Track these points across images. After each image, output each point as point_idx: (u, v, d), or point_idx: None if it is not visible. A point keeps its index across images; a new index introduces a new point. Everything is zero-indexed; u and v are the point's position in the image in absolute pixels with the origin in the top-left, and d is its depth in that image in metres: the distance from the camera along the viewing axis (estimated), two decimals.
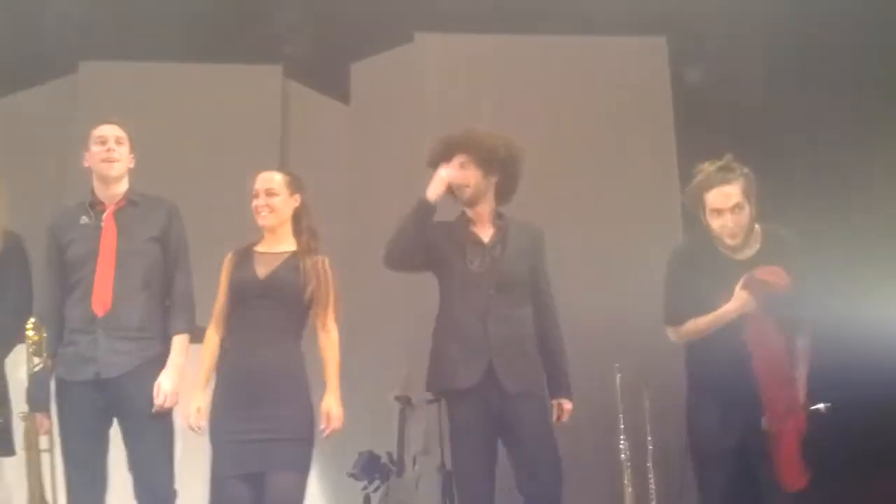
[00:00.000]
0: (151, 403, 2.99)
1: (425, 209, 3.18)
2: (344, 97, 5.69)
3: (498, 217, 3.32)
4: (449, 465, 3.76)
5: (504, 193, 3.32)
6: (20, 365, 3.13)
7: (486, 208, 3.28)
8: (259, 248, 3.17)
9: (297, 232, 3.18)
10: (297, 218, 3.19)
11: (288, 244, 3.17)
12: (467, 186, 3.24)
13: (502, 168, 3.26)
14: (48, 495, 3.06)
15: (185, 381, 3.06)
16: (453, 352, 3.13)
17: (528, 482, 3.06)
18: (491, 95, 5.02)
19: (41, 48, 5.20)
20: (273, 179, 3.17)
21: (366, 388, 4.36)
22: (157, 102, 5.29)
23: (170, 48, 5.29)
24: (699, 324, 3.13)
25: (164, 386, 3.00)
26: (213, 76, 5.54)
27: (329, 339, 3.11)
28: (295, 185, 3.19)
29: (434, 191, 3.19)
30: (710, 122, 4.97)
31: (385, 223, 5.14)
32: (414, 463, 4.38)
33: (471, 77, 5.22)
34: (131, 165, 3.23)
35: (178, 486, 3.06)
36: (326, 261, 3.15)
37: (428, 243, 3.21)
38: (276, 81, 5.65)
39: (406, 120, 5.23)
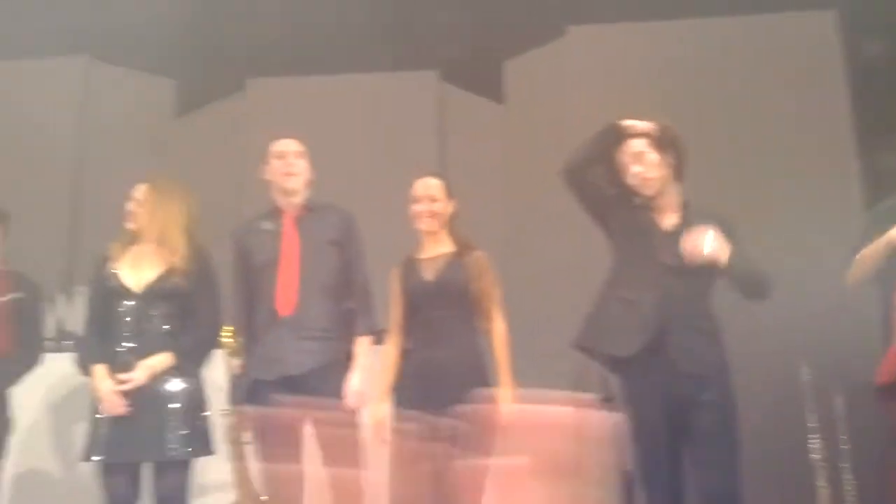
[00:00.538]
0: (338, 400, 3.09)
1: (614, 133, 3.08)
2: (498, 96, 5.71)
3: (683, 205, 3.13)
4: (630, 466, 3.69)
5: (678, 177, 3.14)
6: (214, 368, 3.33)
7: (671, 195, 3.10)
8: (421, 256, 3.28)
9: (453, 233, 3.31)
10: (453, 220, 3.32)
11: (446, 246, 3.30)
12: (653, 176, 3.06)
13: (676, 149, 3.11)
14: (254, 485, 3.25)
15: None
16: None
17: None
18: (649, 84, 4.91)
19: (214, 68, 5.51)
20: (434, 185, 3.31)
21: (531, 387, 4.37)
22: (321, 114, 5.49)
23: (329, 61, 5.50)
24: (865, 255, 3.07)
25: (354, 386, 3.10)
26: (372, 85, 5.69)
27: (498, 333, 3.20)
28: (450, 190, 3.34)
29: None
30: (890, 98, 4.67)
31: (541, 221, 5.19)
32: None
33: (627, 67, 5.12)
34: (309, 177, 3.37)
35: None
36: (483, 255, 3.27)
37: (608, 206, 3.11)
38: (432, 86, 5.74)
39: (561, 115, 5.19)
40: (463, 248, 3.29)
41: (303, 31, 5.31)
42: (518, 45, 5.53)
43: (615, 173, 3.11)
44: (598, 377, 4.03)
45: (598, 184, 3.13)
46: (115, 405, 3.02)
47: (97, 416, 3.08)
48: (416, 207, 3.30)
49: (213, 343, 3.29)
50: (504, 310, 3.24)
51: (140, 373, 3.05)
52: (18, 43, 5.37)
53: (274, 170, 3.32)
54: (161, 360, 3.09)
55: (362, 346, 3.18)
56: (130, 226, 3.24)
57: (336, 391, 3.09)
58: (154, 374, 3.07)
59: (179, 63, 5.60)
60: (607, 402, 4.23)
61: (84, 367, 3.18)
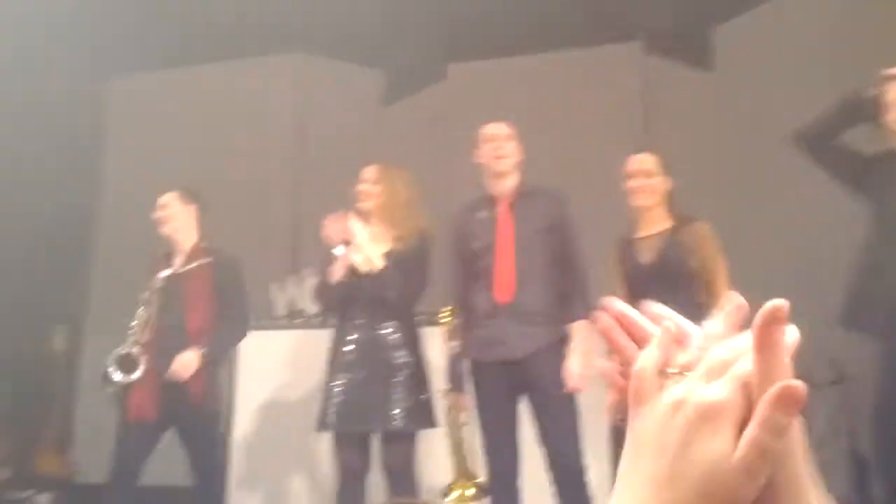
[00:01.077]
0: (558, 383, 3.11)
1: None
2: (706, 65, 5.48)
3: None
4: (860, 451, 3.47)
5: None
6: (438, 348, 3.44)
7: None
8: (637, 235, 3.21)
9: (671, 209, 3.24)
10: (669, 196, 3.25)
11: (663, 223, 3.21)
12: None
13: None
14: (469, 464, 3.32)
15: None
16: None
17: None
18: (869, 44, 4.51)
19: (418, 56, 5.66)
20: (648, 160, 3.25)
21: None
22: (524, 95, 5.50)
23: (529, 40, 5.49)
24: None
25: (574, 369, 3.11)
26: (574, 62, 5.63)
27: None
28: (664, 165, 3.25)
29: None
30: None
31: (761, 192, 4.93)
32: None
33: (848, 30, 4.72)
34: (520, 159, 3.39)
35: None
36: (705, 226, 3.16)
37: None
38: (636, 58, 5.60)
39: (777, 80, 4.90)
40: (681, 222, 3.20)
41: (500, 11, 5.32)
42: (727, 10, 5.27)
43: (880, 129, 2.89)
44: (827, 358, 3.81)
45: (848, 148, 2.95)
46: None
47: (331, 384, 3.27)
48: (631, 183, 3.24)
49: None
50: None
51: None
52: (236, 44, 5.77)
53: (484, 154, 3.37)
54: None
55: (580, 329, 3.17)
56: (361, 204, 3.38)
57: (554, 374, 3.11)
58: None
59: (386, 53, 5.79)
60: (836, 384, 4.00)
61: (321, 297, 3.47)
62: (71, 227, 5.71)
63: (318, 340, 3.60)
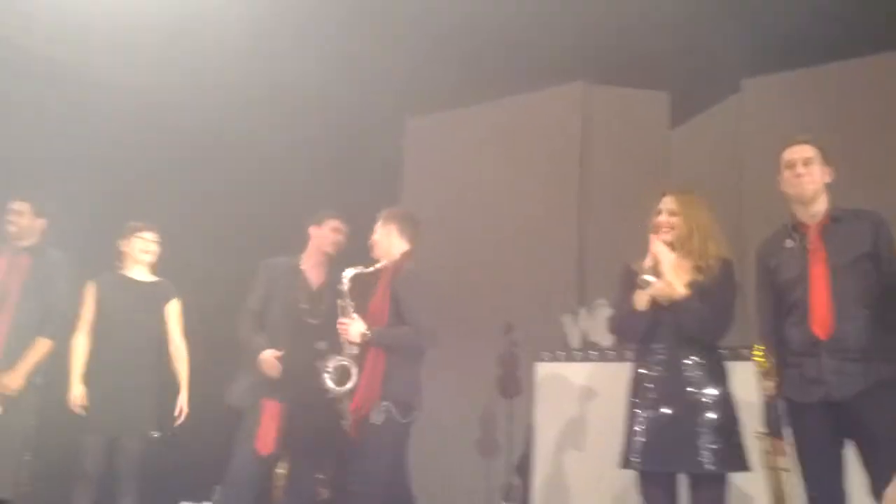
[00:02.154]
0: (887, 426, 2.80)
1: None
2: None
3: None
4: None
5: None
6: (746, 385, 3.24)
7: None
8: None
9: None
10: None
11: None
12: None
13: None
14: None
15: None
16: None
17: None
18: None
19: (707, 74, 5.44)
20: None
21: None
22: (825, 107, 5.07)
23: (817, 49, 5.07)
24: None
25: None
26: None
27: None
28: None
29: None
30: None
31: None
32: None
33: None
34: (827, 181, 3.14)
35: None
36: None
37: None
38: None
39: None
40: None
41: (803, 19, 4.96)
42: None
43: None
44: None
45: None
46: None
47: (634, 420, 3.19)
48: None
49: (715, 323, 3.19)
50: None
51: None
52: (518, 79, 5.91)
53: (786, 179, 3.16)
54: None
55: None
56: (661, 237, 3.29)
57: (885, 417, 2.82)
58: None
59: (672, 74, 5.63)
60: None
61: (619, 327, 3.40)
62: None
63: (615, 373, 3.53)
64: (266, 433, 3.97)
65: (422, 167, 6.50)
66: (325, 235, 4.24)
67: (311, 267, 4.25)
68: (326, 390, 3.70)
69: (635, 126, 5.90)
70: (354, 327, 3.71)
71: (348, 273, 3.80)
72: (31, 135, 5.22)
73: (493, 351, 5.50)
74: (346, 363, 3.69)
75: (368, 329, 3.70)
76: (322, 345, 3.93)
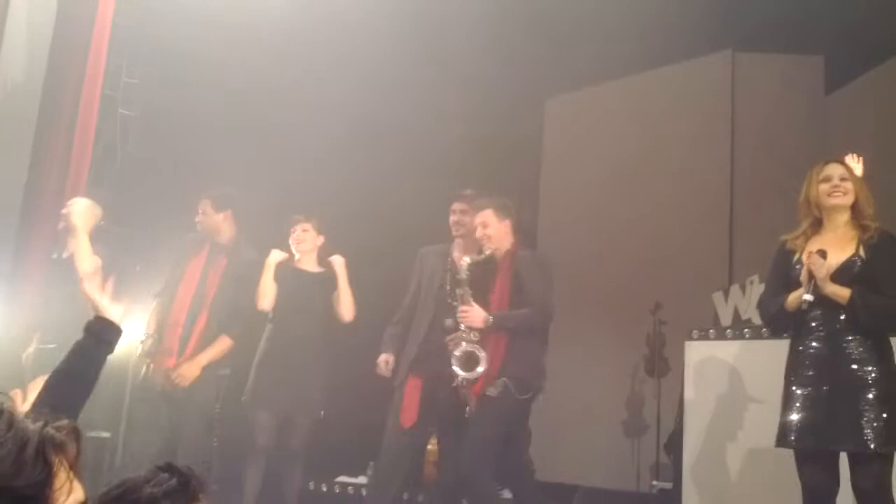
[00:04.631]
0: None
1: None
2: None
3: None
4: None
5: None
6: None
7: None
8: None
9: None
10: None
11: None
12: None
13: None
14: None
15: None
16: None
17: None
18: None
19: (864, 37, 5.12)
20: None
21: None
22: None
23: None
24: None
25: None
26: None
27: None
28: None
29: None
30: None
31: None
32: None
33: None
34: None
35: None
36: None
37: None
38: None
39: None
40: None
41: None
42: None
43: None
44: None
45: None
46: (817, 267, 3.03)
47: (791, 398, 3.10)
48: None
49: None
50: None
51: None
52: (662, 51, 5.76)
53: None
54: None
55: None
56: (835, 202, 3.16)
57: None
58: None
59: (826, 40, 5.34)
60: None
61: (770, 323, 3.28)
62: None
63: (769, 350, 3.42)
64: (408, 406, 4.13)
65: (563, 147, 6.47)
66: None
67: (458, 251, 4.36)
68: (455, 376, 3.80)
69: (788, 94, 5.64)
70: (476, 314, 3.81)
71: (466, 262, 3.90)
72: (215, 137, 5.58)
73: (641, 331, 5.43)
74: (473, 349, 3.78)
75: (490, 314, 3.81)
76: (449, 322, 4.03)
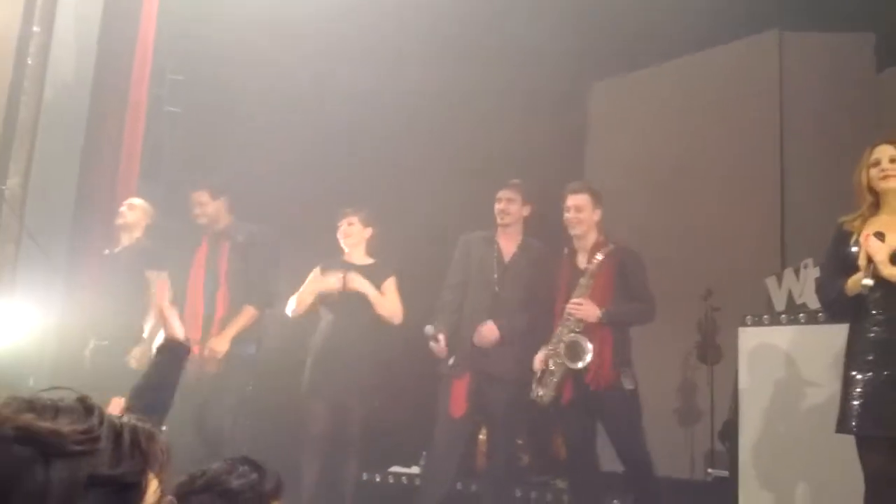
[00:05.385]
0: None
1: None
2: None
3: None
4: None
5: None
6: None
7: None
8: None
9: None
10: None
11: None
12: None
13: None
14: None
15: None
16: None
17: None
18: None
19: None
20: None
21: None
22: None
23: None
24: None
25: None
26: None
27: None
28: None
29: None
30: None
31: None
32: None
33: None
34: None
35: None
36: None
37: None
38: None
39: None
40: None
41: None
42: None
43: None
44: None
45: None
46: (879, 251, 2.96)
47: (851, 383, 3.03)
48: None
49: None
50: None
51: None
52: (709, 32, 5.65)
53: None
54: None
55: None
56: (886, 185, 3.08)
57: None
58: None
59: (877, 16, 5.19)
60: None
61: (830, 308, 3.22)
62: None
63: (825, 335, 3.36)
64: (457, 397, 4.15)
65: (607, 132, 6.40)
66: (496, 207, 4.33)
67: (503, 239, 4.35)
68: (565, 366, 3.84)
69: (838, 73, 5.51)
70: (590, 308, 3.84)
71: (599, 256, 3.92)
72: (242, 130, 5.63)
73: (693, 318, 5.36)
74: (577, 339, 3.81)
75: (603, 309, 3.85)
76: (429, 328, 4.21)
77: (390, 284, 4.52)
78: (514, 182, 4.38)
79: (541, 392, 3.90)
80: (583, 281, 3.90)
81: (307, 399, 4.39)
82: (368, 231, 4.58)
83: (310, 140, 5.65)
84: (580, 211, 3.97)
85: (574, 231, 4.00)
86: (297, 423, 4.45)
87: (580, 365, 3.78)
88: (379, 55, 5.55)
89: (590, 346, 3.77)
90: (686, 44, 5.84)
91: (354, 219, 4.56)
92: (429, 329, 4.22)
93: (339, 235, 4.58)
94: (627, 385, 3.86)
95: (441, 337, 4.20)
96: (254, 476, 1.79)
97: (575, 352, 3.79)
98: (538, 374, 3.91)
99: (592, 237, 3.99)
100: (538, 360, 3.93)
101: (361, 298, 4.41)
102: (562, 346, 3.83)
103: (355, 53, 5.51)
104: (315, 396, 4.36)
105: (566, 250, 4.12)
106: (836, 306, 3.19)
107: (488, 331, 4.12)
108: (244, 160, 5.37)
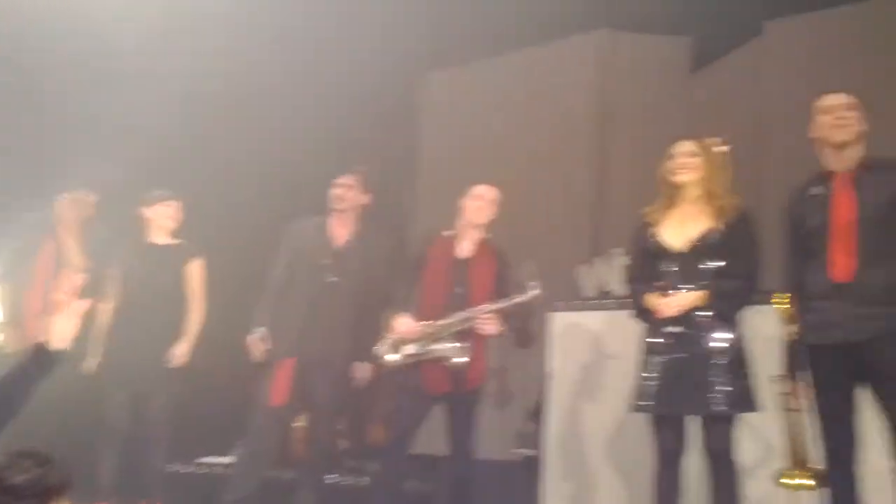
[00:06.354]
0: None
1: None
2: None
3: None
4: None
5: None
6: (764, 328, 3.26)
7: None
8: None
9: None
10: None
11: None
12: None
13: None
14: (805, 451, 3.13)
15: None
16: None
17: None
18: None
19: (729, 17, 5.27)
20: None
21: None
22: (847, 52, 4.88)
23: None
24: None
25: None
26: None
27: None
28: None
29: None
30: None
31: None
32: None
33: None
34: (863, 129, 3.04)
35: None
36: None
37: None
38: None
39: None
40: None
41: None
42: None
43: None
44: None
45: None
46: (667, 307, 3.13)
47: (646, 366, 3.22)
48: None
49: (747, 296, 3.19)
50: None
51: (680, 297, 3.13)
52: (537, 29, 5.78)
53: (821, 125, 3.07)
54: (698, 294, 3.12)
55: None
56: (679, 178, 3.24)
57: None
58: (690, 301, 3.12)
59: (693, 19, 5.47)
60: None
61: (638, 309, 3.32)
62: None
63: (630, 321, 3.49)
64: (279, 387, 4.04)
65: (440, 122, 6.42)
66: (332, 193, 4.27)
67: (336, 224, 4.29)
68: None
69: (656, 72, 5.77)
70: (494, 327, 3.84)
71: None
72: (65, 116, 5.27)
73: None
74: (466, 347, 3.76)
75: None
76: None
77: (194, 268, 4.40)
78: (359, 169, 4.33)
79: (389, 356, 3.82)
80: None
81: (102, 389, 4.18)
82: (179, 214, 4.47)
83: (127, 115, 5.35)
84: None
85: (478, 220, 4.04)
86: (97, 413, 4.21)
87: (456, 361, 3.74)
88: (212, 37, 5.31)
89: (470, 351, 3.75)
90: (518, 38, 5.94)
91: (172, 201, 4.46)
92: (255, 336, 4.12)
93: (155, 216, 4.43)
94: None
95: (265, 337, 4.13)
96: (38, 471, 1.70)
97: (462, 352, 3.74)
98: (393, 339, 3.82)
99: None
100: (405, 326, 3.79)
101: (158, 282, 4.27)
102: (449, 339, 3.76)
103: (176, 32, 5.24)
104: (110, 384, 4.16)
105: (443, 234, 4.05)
106: (642, 316, 3.33)
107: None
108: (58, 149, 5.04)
